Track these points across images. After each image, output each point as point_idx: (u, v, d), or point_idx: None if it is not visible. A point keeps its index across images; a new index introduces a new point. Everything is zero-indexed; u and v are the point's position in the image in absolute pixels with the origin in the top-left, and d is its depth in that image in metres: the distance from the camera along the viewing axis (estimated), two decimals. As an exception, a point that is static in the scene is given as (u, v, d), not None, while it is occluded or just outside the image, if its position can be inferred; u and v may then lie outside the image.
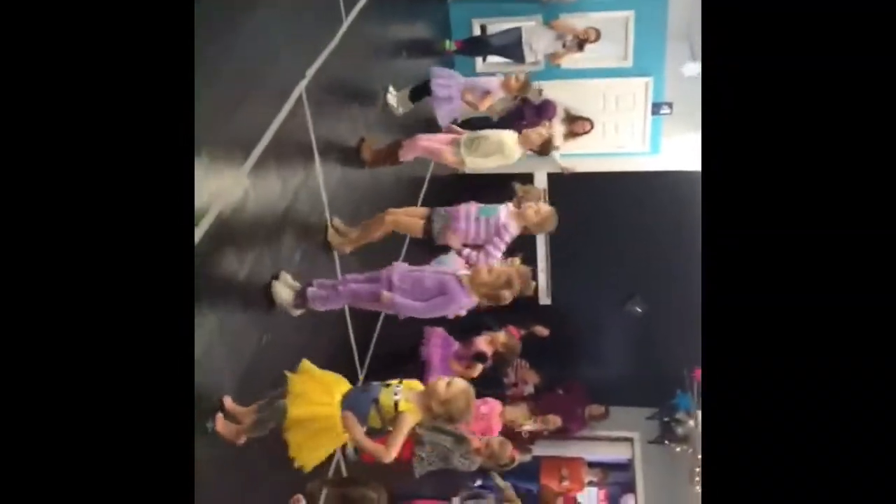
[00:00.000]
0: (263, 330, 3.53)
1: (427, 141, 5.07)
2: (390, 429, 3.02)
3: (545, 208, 4.41)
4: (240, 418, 3.14)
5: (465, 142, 4.88)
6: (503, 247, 4.36)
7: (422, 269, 3.85)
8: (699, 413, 7.47)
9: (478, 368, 5.37)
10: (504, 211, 4.36)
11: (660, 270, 8.15)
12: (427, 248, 4.86)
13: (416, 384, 3.14)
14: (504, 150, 4.83)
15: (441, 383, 3.00)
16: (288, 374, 3.08)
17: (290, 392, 3.02)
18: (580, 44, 7.36)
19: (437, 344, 5.20)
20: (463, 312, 3.97)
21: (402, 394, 3.04)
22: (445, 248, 4.71)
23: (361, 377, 4.92)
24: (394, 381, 3.13)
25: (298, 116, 3.92)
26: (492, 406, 5.81)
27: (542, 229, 4.51)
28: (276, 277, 3.65)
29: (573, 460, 8.56)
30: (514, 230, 4.37)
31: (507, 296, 3.62)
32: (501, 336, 5.55)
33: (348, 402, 3.01)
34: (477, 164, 4.90)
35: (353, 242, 4.45)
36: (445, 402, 2.95)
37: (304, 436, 2.99)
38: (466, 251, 4.40)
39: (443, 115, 5.84)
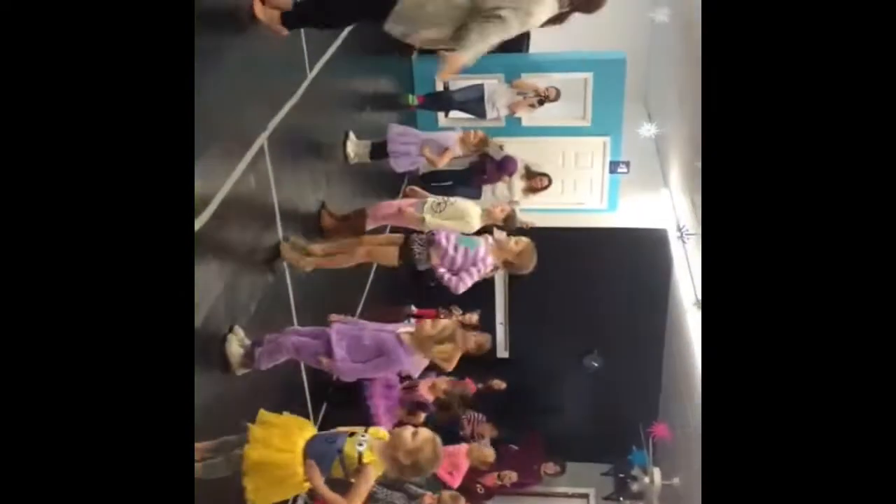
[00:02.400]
0: (216, 383, 3.48)
1: (388, 208, 5.11)
2: (353, 480, 2.93)
3: (524, 240, 4.38)
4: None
5: (431, 205, 4.94)
6: (477, 277, 4.34)
7: (361, 326, 3.77)
8: (654, 470, 7.49)
9: (420, 417, 5.31)
10: (483, 245, 4.36)
11: (618, 326, 8.25)
12: (406, 277, 4.77)
13: (382, 433, 3.07)
14: (466, 218, 4.87)
15: (406, 433, 2.93)
16: (249, 425, 3.01)
17: (251, 438, 2.95)
18: (540, 101, 7.55)
19: (379, 394, 5.12)
20: (415, 373, 3.93)
21: (367, 444, 2.95)
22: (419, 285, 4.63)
23: (316, 427, 4.84)
24: (359, 430, 3.05)
25: (259, 169, 3.93)
26: (458, 447, 5.78)
27: (522, 262, 4.37)
28: (230, 331, 3.60)
29: (529, 517, 8.49)
30: (491, 262, 4.34)
31: (447, 355, 3.59)
32: (442, 382, 5.52)
33: (312, 451, 2.94)
34: (436, 224, 4.93)
35: (316, 263, 4.33)
36: (412, 453, 2.88)
37: (263, 481, 2.91)
38: (441, 271, 4.34)
39: (400, 166, 5.93)
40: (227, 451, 3.01)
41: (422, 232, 4.56)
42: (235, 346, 3.58)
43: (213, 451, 3.05)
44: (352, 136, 5.78)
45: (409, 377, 5.04)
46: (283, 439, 2.96)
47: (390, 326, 3.71)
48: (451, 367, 3.79)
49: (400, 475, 3.04)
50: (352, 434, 3.02)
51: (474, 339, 5.47)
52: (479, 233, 4.80)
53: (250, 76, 3.86)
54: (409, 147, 5.85)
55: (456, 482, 5.88)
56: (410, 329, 3.64)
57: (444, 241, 4.31)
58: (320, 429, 3.17)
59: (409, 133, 6.02)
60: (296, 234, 4.46)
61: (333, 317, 3.84)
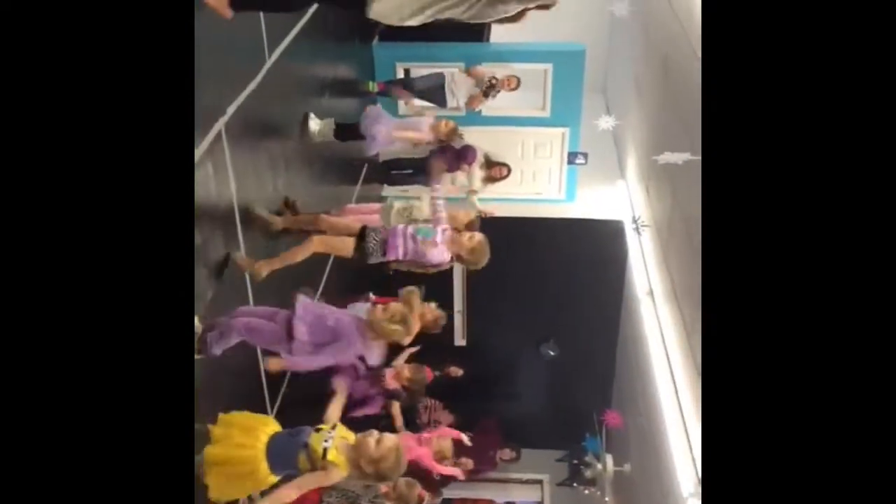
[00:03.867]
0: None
1: (356, 213, 5.10)
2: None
3: (477, 236, 4.39)
4: None
5: (398, 210, 4.94)
6: (428, 267, 4.37)
7: (324, 305, 3.77)
8: (607, 456, 7.63)
9: (396, 406, 5.36)
10: (440, 235, 4.37)
11: (574, 315, 8.36)
12: (354, 271, 4.76)
13: (348, 434, 3.05)
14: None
15: (371, 440, 2.91)
16: (210, 426, 2.99)
17: (212, 438, 2.93)
18: (489, 88, 7.54)
19: (346, 378, 5.11)
20: (373, 361, 3.93)
21: (333, 442, 2.94)
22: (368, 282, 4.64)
23: (272, 416, 4.83)
24: (326, 427, 3.04)
25: (216, 153, 3.89)
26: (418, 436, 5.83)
27: (474, 258, 4.39)
28: None
29: (484, 502, 8.58)
30: (445, 256, 4.35)
31: (401, 332, 3.60)
32: (406, 370, 5.55)
33: (274, 446, 2.93)
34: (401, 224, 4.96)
35: (268, 266, 4.26)
36: (376, 462, 2.88)
37: (224, 478, 2.89)
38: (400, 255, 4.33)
39: (372, 148, 5.95)
40: None
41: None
42: None
43: None
44: (312, 115, 5.74)
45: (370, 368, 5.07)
46: (244, 436, 2.94)
47: (352, 311, 3.71)
48: (409, 339, 3.80)
49: (363, 480, 3.03)
50: (318, 430, 3.00)
51: (432, 313, 5.47)
52: None
53: (208, 60, 3.80)
54: (380, 129, 5.85)
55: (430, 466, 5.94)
56: (363, 315, 3.64)
57: (399, 238, 4.31)
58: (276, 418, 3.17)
59: (380, 115, 6.01)
60: (259, 206, 4.43)
61: (299, 294, 3.82)
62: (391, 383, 5.32)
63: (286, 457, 2.91)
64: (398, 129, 5.99)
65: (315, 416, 3.75)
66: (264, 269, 4.21)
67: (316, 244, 4.35)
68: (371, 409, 5.29)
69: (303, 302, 3.64)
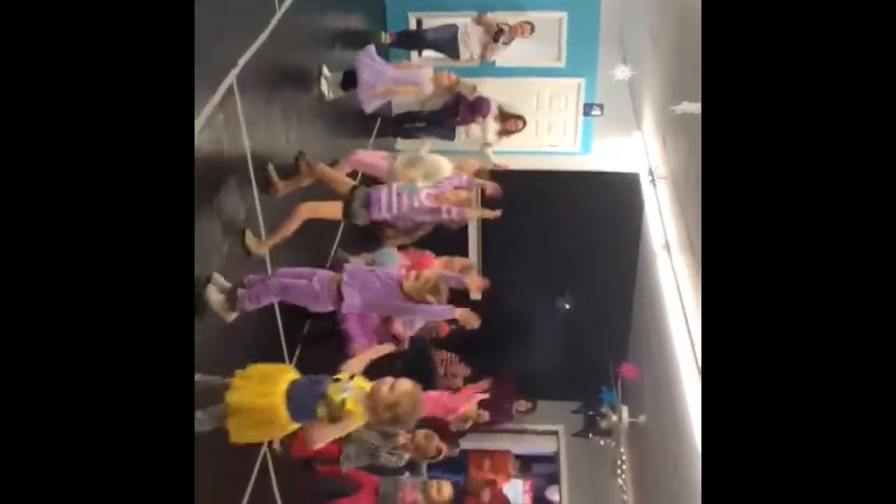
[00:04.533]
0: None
1: (363, 157, 5.06)
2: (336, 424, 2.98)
3: (463, 194, 4.45)
4: None
5: (405, 160, 4.89)
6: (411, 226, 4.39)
7: (369, 269, 3.85)
8: (622, 408, 7.68)
9: (390, 347, 5.37)
10: (424, 190, 4.37)
11: (590, 268, 8.33)
12: (357, 240, 4.80)
13: (365, 383, 3.08)
14: (438, 174, 4.85)
15: (384, 387, 2.95)
16: (230, 379, 3.02)
17: (232, 387, 2.96)
18: (501, 34, 7.39)
19: (354, 321, 5.13)
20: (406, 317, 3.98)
21: (351, 392, 2.98)
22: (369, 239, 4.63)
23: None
24: (344, 377, 3.08)
25: (228, 106, 3.85)
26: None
27: (462, 216, 4.46)
28: (208, 280, 3.57)
29: (500, 453, 8.69)
30: (430, 214, 4.36)
31: (433, 302, 3.68)
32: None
33: (293, 394, 2.96)
34: (409, 177, 4.90)
35: (265, 244, 4.27)
36: (391, 407, 2.92)
37: (244, 423, 2.94)
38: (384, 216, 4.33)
39: (368, 103, 5.84)
40: (210, 402, 3.00)
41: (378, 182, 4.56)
42: (215, 294, 3.55)
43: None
44: (325, 71, 5.66)
45: None
46: (264, 385, 2.97)
47: (392, 271, 3.77)
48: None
49: (381, 426, 3.08)
50: (336, 380, 3.04)
51: (462, 263, 5.49)
52: None
53: (218, 12, 3.75)
54: (376, 77, 5.75)
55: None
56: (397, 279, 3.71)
57: (383, 196, 4.28)
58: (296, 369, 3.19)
59: (375, 62, 5.89)
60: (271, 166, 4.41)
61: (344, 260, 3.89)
62: (399, 330, 5.32)
63: (305, 405, 2.94)
64: (395, 82, 5.87)
65: (333, 365, 3.80)
66: (263, 248, 4.24)
67: (304, 213, 4.30)
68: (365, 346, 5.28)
69: (348, 269, 3.72)
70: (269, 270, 4.30)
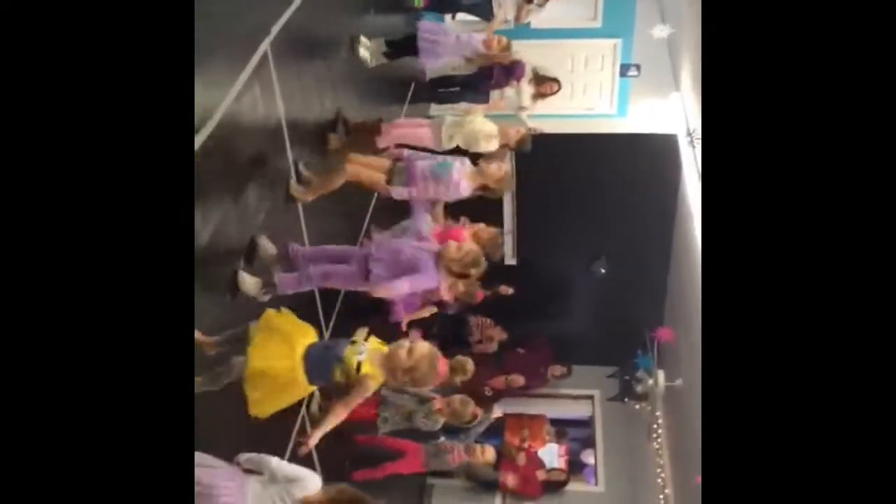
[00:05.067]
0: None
1: (405, 128, 5.04)
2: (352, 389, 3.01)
3: (505, 167, 4.43)
4: (204, 347, 3.12)
5: (449, 126, 4.86)
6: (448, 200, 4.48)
7: (400, 240, 3.86)
8: (658, 372, 7.65)
9: (432, 309, 5.41)
10: (456, 170, 4.35)
11: (625, 232, 8.26)
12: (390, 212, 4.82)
13: (381, 345, 3.11)
14: (480, 141, 4.83)
15: (402, 352, 2.96)
16: (251, 325, 3.02)
17: (251, 344, 2.95)
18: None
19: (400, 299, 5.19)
20: (444, 292, 4.00)
21: (367, 354, 3.00)
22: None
23: (327, 334, 4.94)
24: (360, 338, 3.08)
25: (263, 74, 3.86)
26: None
27: (500, 187, 4.45)
28: (248, 261, 3.59)
29: (535, 417, 8.75)
30: (466, 187, 4.36)
31: (474, 273, 3.70)
32: (461, 284, 5.54)
33: (311, 357, 2.97)
34: (454, 144, 4.89)
35: (314, 192, 4.31)
36: (409, 371, 2.94)
37: (262, 391, 2.93)
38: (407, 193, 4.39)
39: (432, 68, 5.86)
40: (230, 355, 3.02)
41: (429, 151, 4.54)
42: (248, 282, 3.57)
43: (218, 349, 3.09)
44: (363, 39, 5.63)
45: None
46: (283, 346, 2.96)
47: (425, 244, 3.76)
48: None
49: (399, 388, 3.11)
50: (353, 343, 3.05)
51: (488, 233, 5.51)
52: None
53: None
54: (439, 46, 5.78)
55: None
56: (436, 249, 3.72)
57: (417, 178, 4.29)
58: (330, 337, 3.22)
59: (439, 30, 5.90)
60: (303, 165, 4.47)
61: (373, 234, 3.90)
62: (445, 295, 5.34)
63: (322, 369, 2.96)
64: (453, 50, 5.86)
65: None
66: (309, 196, 4.29)
67: (350, 174, 4.35)
68: (409, 310, 5.34)
69: (377, 241, 3.72)
70: (304, 233, 4.34)
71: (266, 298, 3.70)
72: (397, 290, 3.78)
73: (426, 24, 5.94)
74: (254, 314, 3.14)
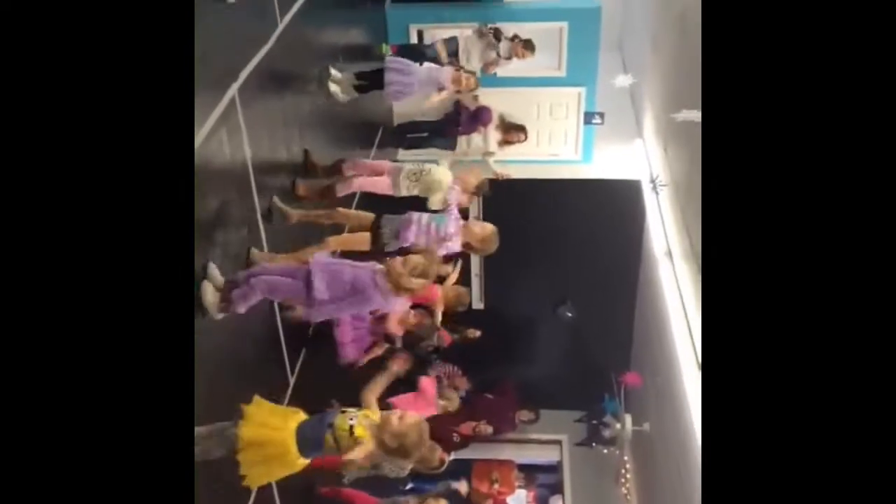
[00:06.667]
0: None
1: (364, 179, 5.10)
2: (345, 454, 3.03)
3: (489, 227, 4.50)
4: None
5: (407, 174, 4.92)
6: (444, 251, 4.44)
7: (342, 261, 3.78)
8: (626, 416, 7.66)
9: (383, 348, 5.36)
10: (453, 222, 4.44)
11: (591, 276, 8.33)
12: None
13: (372, 414, 3.15)
14: (440, 189, 4.89)
15: (394, 417, 3.01)
16: (242, 405, 3.05)
17: (244, 416, 3.00)
18: (498, 34, 7.43)
19: (348, 324, 5.12)
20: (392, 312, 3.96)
21: (358, 420, 3.05)
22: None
23: (292, 380, 4.88)
24: (351, 409, 3.15)
25: (230, 118, 3.87)
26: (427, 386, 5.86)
27: (484, 247, 4.54)
28: (205, 276, 3.58)
29: (504, 463, 8.68)
30: (456, 245, 4.46)
31: (421, 286, 3.60)
32: (410, 317, 5.49)
33: (303, 429, 3.02)
34: (412, 193, 4.96)
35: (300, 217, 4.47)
36: (398, 437, 2.97)
37: (257, 458, 2.97)
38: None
39: (399, 102, 5.92)
40: (220, 434, 3.02)
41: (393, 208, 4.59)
42: (210, 293, 3.55)
43: (207, 436, 3.06)
44: (333, 72, 5.69)
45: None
46: (276, 417, 3.04)
47: (367, 264, 3.70)
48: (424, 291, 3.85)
49: (387, 455, 3.10)
50: (343, 411, 3.12)
51: (455, 290, 5.52)
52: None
53: (220, 25, 3.78)
54: (406, 82, 5.85)
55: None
56: (382, 268, 3.63)
57: (413, 226, 4.38)
58: (297, 381, 3.20)
59: (407, 67, 5.97)
60: (277, 198, 4.52)
61: (313, 251, 3.87)
62: (394, 329, 5.28)
63: (314, 439, 3.01)
64: (421, 83, 5.93)
65: (334, 382, 3.78)
66: (293, 218, 4.48)
67: (332, 245, 4.46)
68: (359, 349, 5.27)
69: (318, 260, 3.66)
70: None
71: (220, 317, 3.63)
72: (332, 314, 3.74)
73: (395, 59, 6.03)
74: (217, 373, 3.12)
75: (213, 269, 3.62)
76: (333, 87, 5.68)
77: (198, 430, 3.05)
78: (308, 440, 3.00)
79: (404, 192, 4.92)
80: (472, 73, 6.35)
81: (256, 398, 3.13)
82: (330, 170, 5.22)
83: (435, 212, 4.68)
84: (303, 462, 3.04)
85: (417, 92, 6.03)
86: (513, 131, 8.04)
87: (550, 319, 8.68)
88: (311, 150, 5.21)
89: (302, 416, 3.15)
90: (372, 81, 5.90)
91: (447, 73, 6.07)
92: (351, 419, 3.03)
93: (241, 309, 3.64)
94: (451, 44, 7.47)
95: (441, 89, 6.00)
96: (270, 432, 2.98)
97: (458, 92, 6.24)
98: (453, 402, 5.97)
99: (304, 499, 3.04)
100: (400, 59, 6.13)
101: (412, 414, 3.07)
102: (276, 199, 4.51)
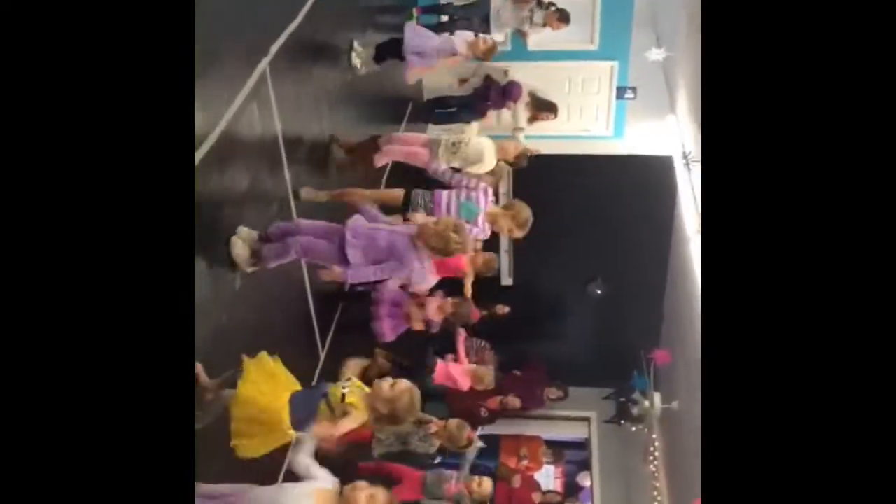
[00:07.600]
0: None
1: (402, 145, 5.08)
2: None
3: (525, 213, 4.48)
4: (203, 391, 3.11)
5: (446, 146, 4.88)
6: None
7: (378, 226, 3.75)
8: (654, 394, 7.63)
9: (421, 326, 5.38)
10: (481, 221, 4.48)
11: (621, 253, 8.27)
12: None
13: (363, 385, 3.16)
14: (484, 160, 4.86)
15: (385, 384, 3.03)
16: (245, 357, 3.05)
17: (243, 375, 2.99)
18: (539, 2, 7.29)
19: (386, 312, 5.15)
20: (423, 286, 3.97)
21: (350, 388, 3.07)
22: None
23: (323, 354, 4.92)
24: (343, 378, 3.19)
25: (261, 93, 3.87)
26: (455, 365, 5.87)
27: (521, 229, 4.56)
28: (235, 232, 3.59)
29: (532, 439, 8.71)
30: (486, 233, 4.54)
31: (457, 241, 3.56)
32: (449, 304, 5.50)
33: (296, 399, 3.03)
34: (452, 164, 4.94)
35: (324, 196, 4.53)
36: (390, 402, 2.99)
37: (248, 426, 2.96)
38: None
39: (411, 74, 5.88)
40: (223, 387, 3.03)
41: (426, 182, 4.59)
42: (240, 247, 3.55)
43: (214, 394, 3.08)
44: (356, 45, 5.67)
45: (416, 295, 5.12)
46: (271, 382, 3.03)
47: (404, 227, 3.69)
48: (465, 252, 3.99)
49: (379, 423, 3.12)
50: (335, 383, 3.15)
51: (483, 257, 5.51)
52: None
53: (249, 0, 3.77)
54: (424, 49, 5.78)
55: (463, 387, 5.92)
56: (417, 229, 3.63)
57: (443, 208, 4.40)
58: (327, 356, 3.21)
59: (422, 35, 5.91)
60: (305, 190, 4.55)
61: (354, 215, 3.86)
62: (432, 315, 5.28)
63: (307, 408, 3.01)
64: (437, 52, 5.85)
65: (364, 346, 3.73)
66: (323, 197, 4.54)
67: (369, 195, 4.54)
68: (394, 331, 5.28)
69: (353, 225, 3.65)
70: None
71: (251, 270, 3.64)
72: (368, 276, 3.73)
73: (411, 26, 5.97)
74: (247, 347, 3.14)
75: (243, 230, 3.62)
76: (355, 60, 5.65)
77: (206, 382, 3.06)
78: (301, 409, 3.00)
79: (444, 165, 4.88)
80: (493, 41, 6.23)
81: (263, 354, 3.11)
82: (365, 146, 5.21)
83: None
84: (292, 433, 3.03)
85: (435, 59, 5.90)
86: (543, 112, 7.95)
87: (580, 296, 8.64)
88: (339, 128, 5.19)
89: (296, 385, 3.15)
90: (386, 51, 5.84)
91: (460, 39, 5.99)
92: (344, 387, 3.06)
93: (272, 264, 3.65)
94: (482, 8, 7.31)
95: (454, 54, 5.91)
96: (262, 396, 2.96)
97: (477, 58, 6.14)
98: (488, 377, 5.95)
99: (343, 476, 3.07)
100: (419, 27, 6.07)
101: (403, 380, 3.08)
102: (302, 192, 4.50)
